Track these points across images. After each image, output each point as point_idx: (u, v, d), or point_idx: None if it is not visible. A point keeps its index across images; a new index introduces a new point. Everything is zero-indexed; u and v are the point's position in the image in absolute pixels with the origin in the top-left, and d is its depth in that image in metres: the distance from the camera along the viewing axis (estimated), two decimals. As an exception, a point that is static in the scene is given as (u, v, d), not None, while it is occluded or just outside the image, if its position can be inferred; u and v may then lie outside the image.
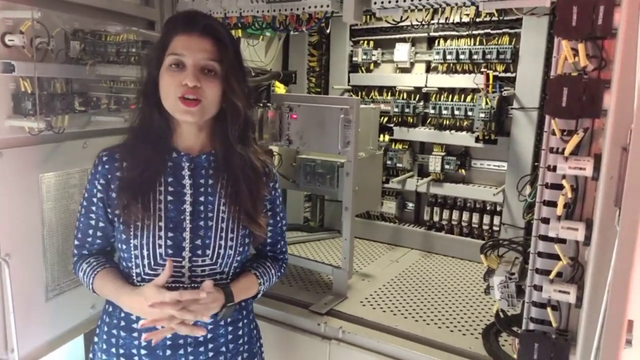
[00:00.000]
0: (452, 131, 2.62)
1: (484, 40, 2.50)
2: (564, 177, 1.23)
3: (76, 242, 1.39)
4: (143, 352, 1.30)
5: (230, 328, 1.39)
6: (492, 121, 2.44)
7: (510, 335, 1.66)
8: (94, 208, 1.34)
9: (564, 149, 1.20)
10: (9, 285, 1.47)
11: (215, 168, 1.36)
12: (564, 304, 1.30)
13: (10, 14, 1.44)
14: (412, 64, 2.76)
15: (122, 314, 1.33)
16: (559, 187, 1.24)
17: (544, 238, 1.29)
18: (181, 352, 1.30)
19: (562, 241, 1.26)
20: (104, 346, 1.36)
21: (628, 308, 0.96)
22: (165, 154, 1.33)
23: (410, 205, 2.90)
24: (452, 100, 2.60)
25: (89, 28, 1.71)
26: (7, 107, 1.48)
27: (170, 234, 1.29)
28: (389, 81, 2.79)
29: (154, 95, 1.28)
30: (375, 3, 1.78)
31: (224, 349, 1.38)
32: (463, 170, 2.66)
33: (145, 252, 1.28)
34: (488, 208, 2.60)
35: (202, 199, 1.33)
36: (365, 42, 2.86)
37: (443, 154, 2.67)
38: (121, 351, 1.33)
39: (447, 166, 2.66)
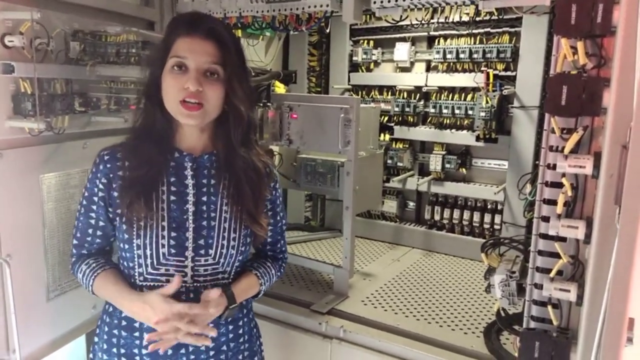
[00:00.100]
0: (453, 130, 2.61)
1: (484, 39, 2.50)
2: (563, 175, 1.23)
3: (75, 242, 1.39)
4: (144, 351, 1.30)
5: (230, 327, 1.39)
6: (492, 120, 2.43)
7: (511, 334, 1.66)
8: (94, 207, 1.34)
9: (563, 147, 1.20)
10: (10, 286, 1.47)
11: (217, 168, 1.36)
12: (564, 302, 1.30)
13: (9, 15, 1.44)
14: (412, 63, 2.76)
15: (123, 314, 1.32)
16: (559, 185, 1.24)
17: (545, 236, 1.29)
18: (182, 351, 1.30)
19: (563, 239, 1.26)
20: (105, 346, 1.36)
21: (628, 306, 0.96)
22: (168, 154, 1.33)
23: (411, 204, 2.90)
24: (452, 99, 2.60)
25: (88, 29, 1.71)
26: (7, 108, 1.47)
27: (173, 234, 1.29)
28: (389, 80, 2.79)
29: (157, 95, 1.28)
30: (374, 2, 1.78)
31: (225, 347, 1.38)
32: (464, 169, 2.65)
33: (148, 252, 1.28)
34: (489, 207, 2.59)
35: (204, 198, 1.33)
36: (365, 41, 2.86)
37: (444, 153, 2.67)
38: (122, 351, 1.33)
39: (447, 165, 2.65)
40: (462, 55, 2.53)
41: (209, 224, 1.32)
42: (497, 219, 2.53)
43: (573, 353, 1.25)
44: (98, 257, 1.38)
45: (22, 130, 1.50)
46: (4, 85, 1.46)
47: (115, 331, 1.34)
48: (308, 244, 2.77)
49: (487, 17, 2.44)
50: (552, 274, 1.27)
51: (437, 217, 2.71)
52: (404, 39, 2.74)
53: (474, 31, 2.51)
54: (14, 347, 1.52)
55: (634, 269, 0.95)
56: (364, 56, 2.82)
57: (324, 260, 2.39)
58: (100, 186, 1.32)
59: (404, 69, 2.78)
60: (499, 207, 2.54)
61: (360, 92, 2.88)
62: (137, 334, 1.31)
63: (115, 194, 1.31)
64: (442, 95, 2.63)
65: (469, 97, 2.54)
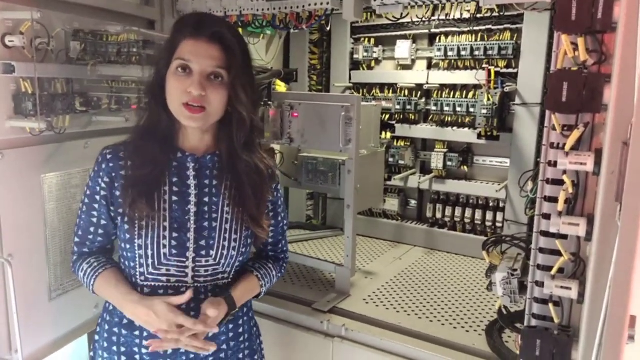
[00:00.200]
0: (454, 128, 2.61)
1: (486, 36, 2.50)
2: (564, 172, 1.22)
3: (76, 240, 1.39)
4: (144, 350, 1.30)
5: (230, 326, 1.39)
6: (494, 117, 2.43)
7: (513, 332, 1.66)
8: (96, 206, 1.34)
9: (564, 144, 1.20)
10: (12, 286, 1.48)
11: (219, 169, 1.35)
12: (566, 300, 1.29)
13: (10, 15, 1.44)
14: (413, 61, 2.75)
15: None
16: (560, 182, 1.24)
17: (546, 234, 1.29)
18: (182, 350, 1.30)
19: (564, 237, 1.25)
20: (105, 344, 1.36)
21: (630, 304, 0.96)
22: (171, 154, 1.33)
23: (413, 202, 2.89)
24: (453, 97, 2.59)
25: (89, 28, 1.70)
26: (7, 108, 1.48)
27: (174, 234, 1.29)
28: (391, 78, 2.79)
29: (161, 95, 1.27)
30: (375, 0, 1.77)
31: (224, 346, 1.38)
32: (465, 167, 2.65)
33: (149, 252, 1.28)
34: (491, 204, 2.59)
35: (206, 199, 1.33)
36: (366, 39, 2.85)
37: (445, 150, 2.67)
38: (122, 349, 1.33)
39: (449, 163, 2.65)
40: (463, 53, 2.52)
41: (211, 225, 1.32)
42: (499, 216, 2.53)
43: (574, 351, 1.25)
44: (99, 256, 1.38)
45: (23, 130, 1.50)
46: (5, 85, 1.46)
47: (116, 329, 1.34)
48: (310, 242, 2.77)
49: (489, 14, 2.44)
50: (553, 272, 1.27)
51: (438, 215, 2.71)
52: (405, 37, 2.73)
53: (475, 28, 2.50)
54: (16, 347, 1.52)
55: (636, 267, 0.95)
56: (365, 54, 2.82)
57: (326, 259, 2.39)
58: (103, 185, 1.32)
59: (405, 67, 2.78)
60: (501, 204, 2.54)
61: (361, 90, 2.88)
62: (137, 332, 1.32)
63: (118, 193, 1.31)
64: (444, 93, 2.63)
65: (471, 94, 2.54)
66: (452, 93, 2.60)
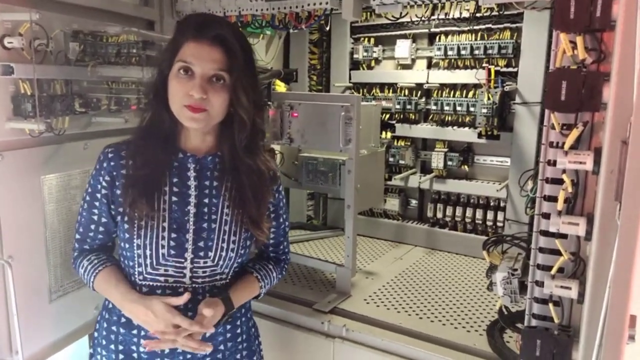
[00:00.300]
0: (455, 127, 2.61)
1: (485, 35, 2.49)
2: (564, 171, 1.22)
3: (77, 237, 1.40)
4: (141, 349, 1.31)
5: (228, 326, 1.39)
6: (494, 116, 2.42)
7: (514, 332, 1.65)
8: (97, 204, 1.34)
9: (564, 143, 1.19)
10: (12, 287, 1.48)
11: (220, 170, 1.35)
12: (566, 300, 1.29)
13: (8, 17, 1.44)
14: (413, 61, 2.75)
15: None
16: (560, 181, 1.23)
17: (545, 233, 1.28)
18: (179, 350, 1.30)
19: (564, 236, 1.25)
20: (104, 342, 1.37)
21: (630, 303, 0.95)
22: (172, 154, 1.33)
23: (414, 202, 2.89)
24: (454, 96, 2.59)
25: (88, 29, 1.71)
26: (7, 110, 1.48)
27: (173, 235, 1.30)
28: (391, 78, 2.78)
29: (163, 96, 1.27)
30: (374, -1, 1.77)
31: (222, 347, 1.38)
32: (466, 167, 2.64)
33: (148, 252, 1.29)
34: (492, 204, 2.58)
35: (206, 200, 1.33)
36: (366, 39, 2.85)
37: (446, 150, 2.66)
38: (120, 347, 1.34)
39: (450, 162, 2.64)
40: (463, 52, 2.51)
41: (210, 226, 1.32)
42: (500, 216, 2.53)
43: (575, 351, 1.25)
44: (100, 253, 1.39)
45: (23, 131, 1.50)
46: (4, 86, 1.47)
47: (114, 327, 1.35)
48: (310, 242, 2.77)
49: (488, 13, 2.43)
50: (553, 272, 1.26)
51: (439, 215, 2.71)
52: (404, 36, 2.73)
53: (475, 27, 2.50)
54: (17, 349, 1.52)
55: (635, 266, 0.94)
56: (365, 54, 2.82)
57: (326, 259, 2.38)
58: (104, 183, 1.32)
59: (405, 66, 2.77)
60: (502, 204, 2.53)
61: (361, 90, 2.87)
62: (135, 331, 1.32)
63: (118, 191, 1.31)
64: (444, 92, 2.62)
65: (471, 93, 2.53)
66: (452, 92, 2.60)
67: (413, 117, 2.74)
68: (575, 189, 1.22)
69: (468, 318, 1.92)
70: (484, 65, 2.46)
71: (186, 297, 1.25)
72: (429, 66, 2.71)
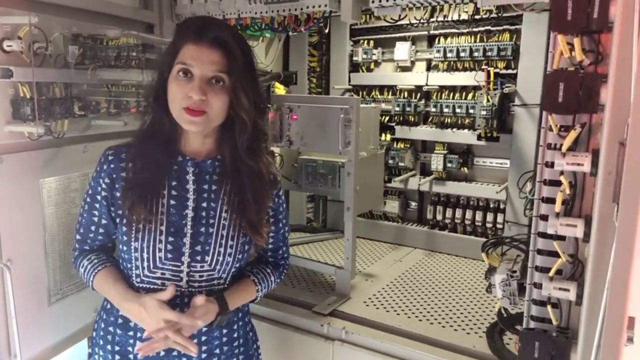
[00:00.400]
0: (454, 129, 2.60)
1: (485, 37, 2.49)
2: (562, 173, 1.22)
3: (78, 237, 1.41)
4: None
5: (225, 330, 1.39)
6: (493, 118, 2.42)
7: (513, 334, 1.65)
8: (97, 205, 1.35)
9: (561, 145, 1.19)
10: (11, 290, 1.48)
11: (220, 174, 1.35)
12: (564, 302, 1.29)
13: (7, 20, 1.44)
14: (412, 63, 2.75)
15: (119, 312, 1.33)
16: (557, 183, 1.23)
17: (543, 235, 1.28)
18: (175, 353, 1.31)
19: (562, 238, 1.25)
20: (101, 342, 1.37)
21: (628, 305, 0.95)
22: (171, 158, 1.33)
23: (413, 204, 2.89)
24: (453, 98, 2.58)
25: (87, 32, 1.71)
26: (6, 113, 1.48)
27: (170, 239, 1.30)
28: (390, 80, 2.78)
29: (163, 99, 1.27)
30: (373, 2, 1.78)
31: (217, 350, 1.38)
32: (465, 169, 2.64)
33: (145, 255, 1.29)
34: (491, 206, 2.58)
35: (204, 204, 1.33)
36: (366, 41, 2.85)
37: (445, 152, 2.66)
38: (117, 348, 1.34)
39: (449, 164, 2.64)
40: (462, 54, 2.52)
41: (207, 231, 1.32)
42: (500, 218, 2.52)
43: (573, 353, 1.24)
44: (100, 253, 1.40)
45: (22, 134, 1.51)
46: (3, 90, 1.47)
47: (111, 328, 1.35)
48: (310, 245, 2.77)
49: (487, 15, 2.43)
50: (551, 273, 1.26)
51: (439, 217, 2.70)
52: (404, 38, 2.73)
53: (474, 29, 2.50)
54: (15, 352, 1.52)
55: (633, 268, 0.94)
56: (364, 56, 2.82)
57: (326, 262, 2.38)
58: (104, 185, 1.33)
59: (405, 69, 2.77)
60: (501, 206, 2.53)
61: (361, 92, 2.88)
62: (131, 333, 1.33)
63: (118, 194, 1.31)
64: (443, 94, 2.62)
65: (470, 95, 2.53)
66: (451, 94, 2.60)
67: (412, 119, 2.74)
68: (573, 190, 1.22)
69: (468, 320, 1.91)
70: (483, 67, 2.46)
71: (171, 290, 1.24)
72: (428, 68, 2.71)
